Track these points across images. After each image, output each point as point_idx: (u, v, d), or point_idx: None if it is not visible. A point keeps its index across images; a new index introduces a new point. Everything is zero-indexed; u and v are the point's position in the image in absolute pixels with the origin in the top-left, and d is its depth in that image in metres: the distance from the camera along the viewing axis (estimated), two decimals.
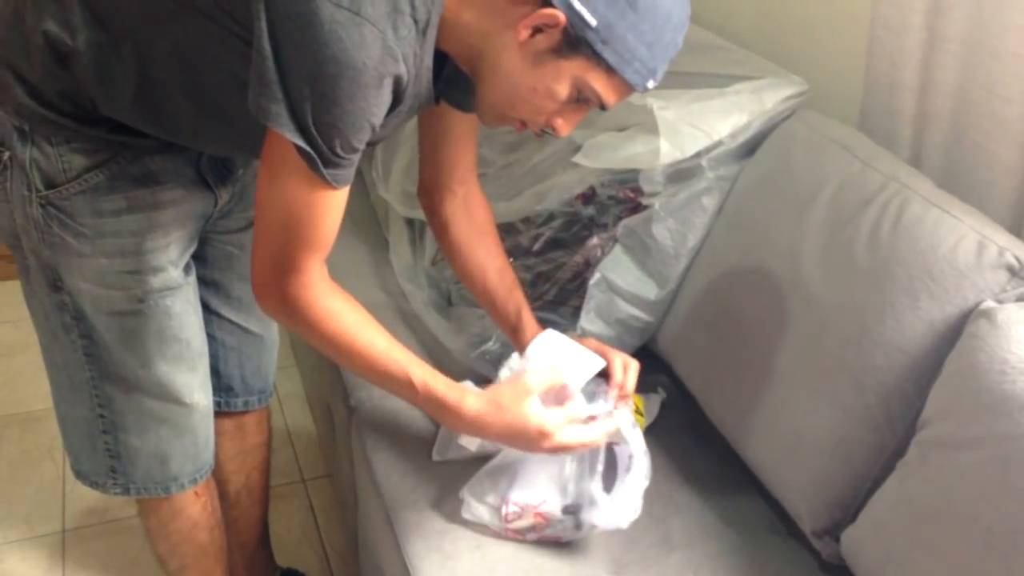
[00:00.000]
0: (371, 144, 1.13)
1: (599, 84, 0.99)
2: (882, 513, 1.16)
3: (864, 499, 1.21)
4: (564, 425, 1.14)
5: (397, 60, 0.94)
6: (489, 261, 1.36)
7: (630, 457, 1.27)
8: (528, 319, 1.34)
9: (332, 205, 1.04)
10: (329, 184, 1.00)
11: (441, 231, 1.38)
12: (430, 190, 1.36)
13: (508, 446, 1.19)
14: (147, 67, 1.08)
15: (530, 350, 1.24)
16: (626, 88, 1.01)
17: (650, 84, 1.01)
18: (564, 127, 1.06)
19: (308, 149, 0.96)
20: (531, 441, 1.15)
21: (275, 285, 1.08)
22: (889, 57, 1.47)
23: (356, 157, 1.02)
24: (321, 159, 0.97)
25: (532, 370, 1.19)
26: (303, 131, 0.95)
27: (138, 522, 1.49)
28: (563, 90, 1.00)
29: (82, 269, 1.20)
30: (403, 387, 1.15)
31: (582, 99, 1.02)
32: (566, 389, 1.18)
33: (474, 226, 1.36)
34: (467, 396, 1.15)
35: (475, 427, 1.16)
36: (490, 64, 1.02)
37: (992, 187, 1.35)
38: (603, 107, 1.03)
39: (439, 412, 1.17)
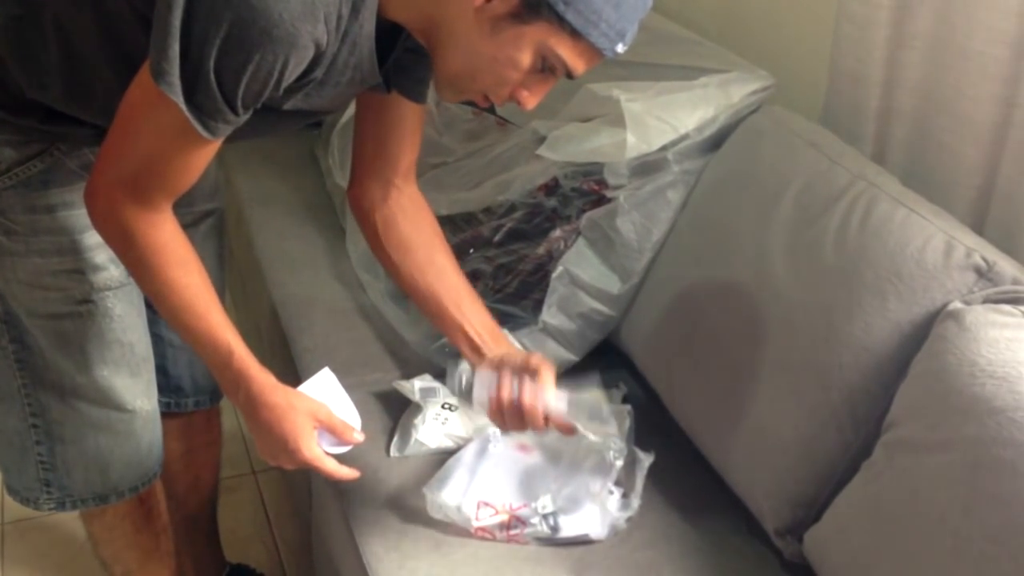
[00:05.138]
0: (317, 114, 1.07)
1: (564, 50, 0.93)
2: (847, 514, 1.15)
3: (828, 499, 1.20)
4: (313, 459, 1.10)
5: (318, 20, 0.89)
6: (435, 261, 1.27)
7: (614, 469, 1.29)
8: (495, 328, 1.25)
9: (207, 153, 0.99)
10: (207, 138, 0.95)
11: (382, 230, 1.26)
12: (367, 185, 1.26)
13: (258, 440, 1.14)
14: (70, 41, 1.02)
15: (308, 385, 1.17)
16: (594, 53, 0.94)
17: (619, 48, 0.94)
18: (530, 99, 1.00)
19: (188, 114, 0.91)
20: (279, 450, 1.10)
21: (121, 212, 1.01)
22: (854, 52, 1.47)
23: (245, 116, 0.96)
24: (205, 113, 0.92)
25: (330, 405, 1.14)
26: (192, 79, 0.89)
27: (78, 515, 1.43)
28: (526, 58, 0.94)
29: (15, 269, 1.14)
30: (220, 355, 1.08)
31: (547, 68, 0.96)
32: (344, 436, 1.14)
33: (421, 227, 1.27)
34: (276, 386, 1.09)
35: (258, 410, 1.09)
36: (446, 32, 0.95)
37: (955, 186, 1.35)
38: (570, 75, 0.97)
39: (241, 390, 1.09)
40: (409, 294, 1.31)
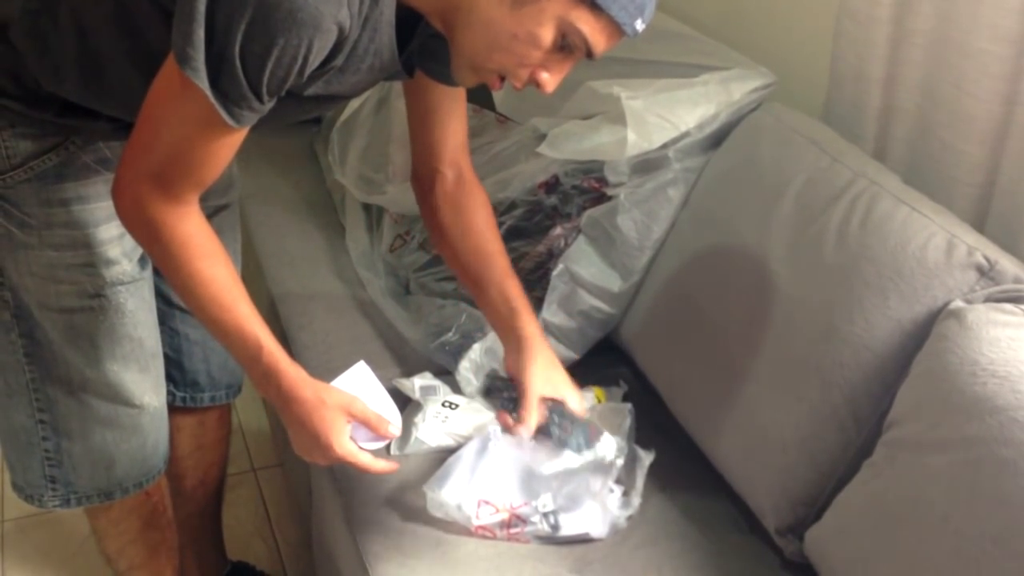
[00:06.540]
0: (336, 100, 1.07)
1: (585, 25, 0.93)
2: (848, 513, 1.15)
3: (829, 498, 1.20)
4: (345, 455, 1.10)
5: (341, 3, 0.89)
6: (479, 247, 1.29)
7: (612, 466, 1.28)
8: (524, 310, 1.28)
9: (232, 142, 1.00)
10: (234, 127, 0.96)
11: (429, 217, 1.31)
12: (421, 174, 1.30)
13: (292, 436, 1.15)
14: (87, 34, 1.02)
15: (343, 379, 1.17)
16: (614, 29, 0.94)
17: (638, 25, 0.94)
18: (550, 82, 0.99)
19: (214, 101, 0.92)
20: (312, 446, 1.11)
21: (147, 204, 1.01)
22: (856, 50, 1.46)
23: (270, 104, 0.96)
24: (230, 100, 0.92)
25: (365, 399, 1.14)
26: (217, 66, 0.90)
27: (80, 512, 1.43)
28: (547, 34, 0.93)
29: (28, 262, 1.14)
30: (249, 349, 1.08)
31: (567, 46, 0.95)
32: (378, 429, 1.15)
33: (464, 210, 1.29)
34: (307, 380, 1.10)
35: (289, 405, 1.09)
36: (465, 11, 0.95)
37: (956, 184, 1.34)
38: (591, 55, 0.96)
39: (272, 385, 1.10)
40: (461, 280, 1.36)
